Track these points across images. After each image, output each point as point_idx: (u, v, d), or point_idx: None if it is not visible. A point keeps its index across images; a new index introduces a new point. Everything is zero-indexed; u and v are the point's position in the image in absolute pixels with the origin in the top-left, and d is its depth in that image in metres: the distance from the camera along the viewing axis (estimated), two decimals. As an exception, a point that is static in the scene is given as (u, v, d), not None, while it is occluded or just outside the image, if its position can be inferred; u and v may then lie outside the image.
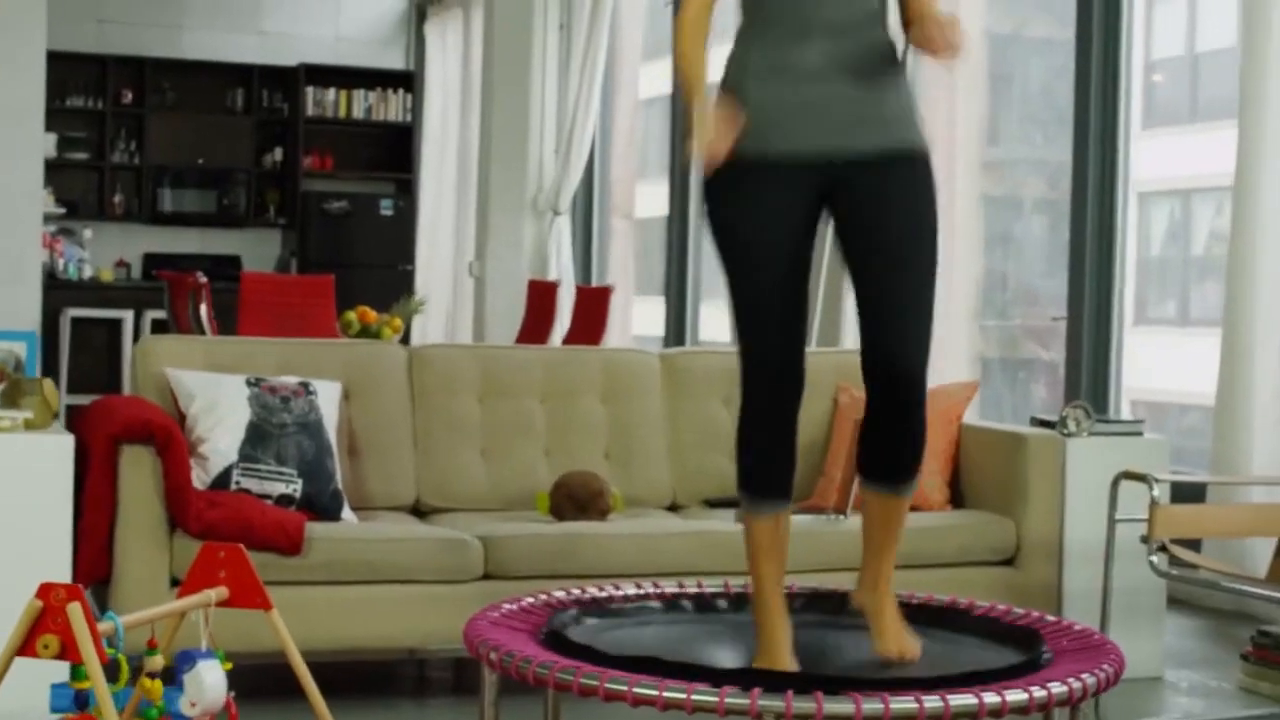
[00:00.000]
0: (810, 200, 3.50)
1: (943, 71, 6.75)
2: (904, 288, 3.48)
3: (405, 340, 11.18)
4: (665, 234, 10.52)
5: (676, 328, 10.43)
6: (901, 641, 3.56)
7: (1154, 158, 8.15)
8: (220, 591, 3.51)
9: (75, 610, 2.93)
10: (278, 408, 4.93)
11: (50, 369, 11.06)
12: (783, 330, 3.52)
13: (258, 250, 13.12)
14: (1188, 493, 5.71)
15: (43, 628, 2.95)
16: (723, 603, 3.95)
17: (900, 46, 3.54)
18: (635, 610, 3.86)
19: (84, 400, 11.19)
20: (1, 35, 10.45)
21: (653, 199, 11.08)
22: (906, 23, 3.56)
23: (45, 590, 2.95)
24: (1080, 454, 5.19)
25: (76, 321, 11.74)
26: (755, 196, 3.47)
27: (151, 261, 12.62)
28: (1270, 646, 5.06)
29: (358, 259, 12.69)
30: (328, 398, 5.07)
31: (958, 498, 5.41)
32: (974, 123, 8.25)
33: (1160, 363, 8.23)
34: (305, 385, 5.03)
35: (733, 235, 3.51)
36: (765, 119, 3.45)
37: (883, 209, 3.48)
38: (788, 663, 3.45)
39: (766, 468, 3.60)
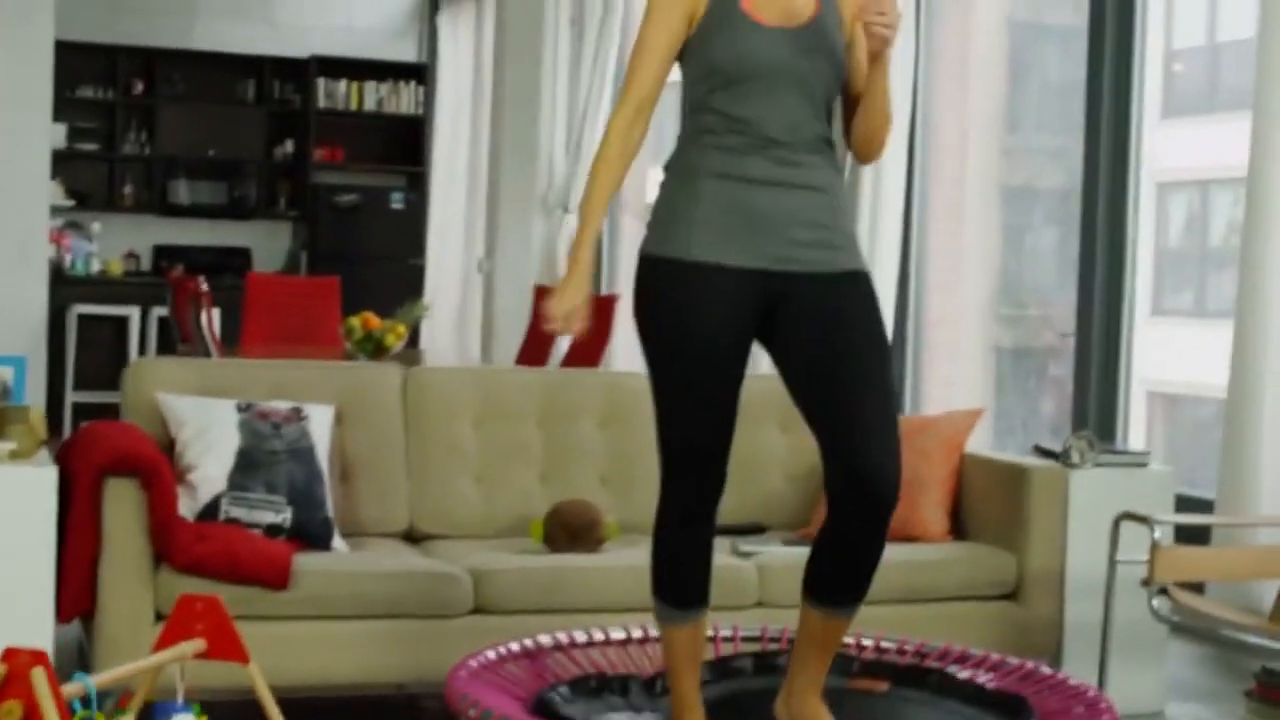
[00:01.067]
0: (758, 307, 3.45)
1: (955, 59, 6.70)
2: (876, 404, 3.39)
3: (413, 340, 11.12)
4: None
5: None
6: None
7: (1173, 148, 8.07)
8: (197, 644, 3.45)
9: (39, 676, 2.88)
10: (269, 434, 4.86)
11: (56, 367, 11.01)
12: (716, 432, 3.47)
13: (268, 242, 13.05)
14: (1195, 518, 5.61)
15: (7, 693, 2.89)
16: (706, 675, 3.82)
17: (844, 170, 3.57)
18: (619, 688, 3.78)
19: (90, 398, 11.23)
20: (9, 24, 10.36)
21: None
22: (847, 125, 3.57)
23: (9, 655, 2.89)
24: (1084, 486, 5.10)
25: (84, 318, 11.66)
26: (704, 295, 3.42)
27: (161, 254, 12.57)
28: (1277, 686, 4.96)
29: (368, 252, 12.63)
30: (321, 422, 5.00)
31: (959, 529, 5.31)
32: (992, 111, 8.21)
33: (1177, 354, 8.16)
34: (298, 410, 4.96)
35: (677, 328, 3.43)
36: (716, 226, 3.41)
37: (841, 323, 3.43)
38: None
39: (688, 575, 3.53)
